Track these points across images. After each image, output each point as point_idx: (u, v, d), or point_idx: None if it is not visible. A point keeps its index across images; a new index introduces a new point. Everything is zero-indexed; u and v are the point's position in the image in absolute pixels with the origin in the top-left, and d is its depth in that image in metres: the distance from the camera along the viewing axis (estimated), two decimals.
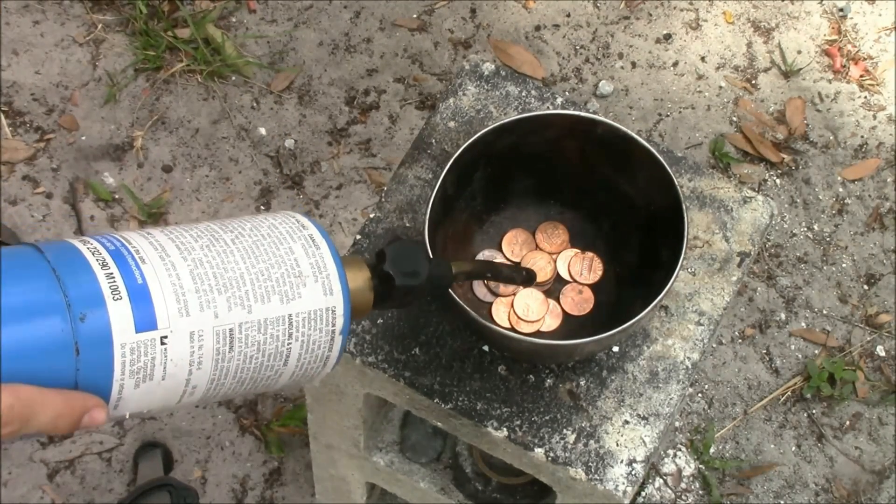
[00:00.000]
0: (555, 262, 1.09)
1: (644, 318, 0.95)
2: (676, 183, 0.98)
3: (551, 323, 1.07)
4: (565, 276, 1.09)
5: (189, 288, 0.67)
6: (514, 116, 1.01)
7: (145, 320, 0.64)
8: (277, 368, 0.72)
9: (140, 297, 0.65)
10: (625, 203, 1.06)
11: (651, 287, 0.96)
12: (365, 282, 0.78)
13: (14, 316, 0.60)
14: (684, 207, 0.97)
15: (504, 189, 1.09)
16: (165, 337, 0.65)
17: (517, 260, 1.09)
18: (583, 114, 1.02)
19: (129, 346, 0.64)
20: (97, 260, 0.65)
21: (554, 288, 1.09)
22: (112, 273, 0.65)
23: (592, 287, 1.08)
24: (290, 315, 0.71)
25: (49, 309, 0.62)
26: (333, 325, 0.73)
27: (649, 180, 1.01)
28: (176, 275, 0.67)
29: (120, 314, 0.64)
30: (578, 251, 1.09)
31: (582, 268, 1.08)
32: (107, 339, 0.63)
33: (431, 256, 0.83)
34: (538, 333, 1.06)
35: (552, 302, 1.07)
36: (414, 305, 0.88)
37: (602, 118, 1.01)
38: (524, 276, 0.97)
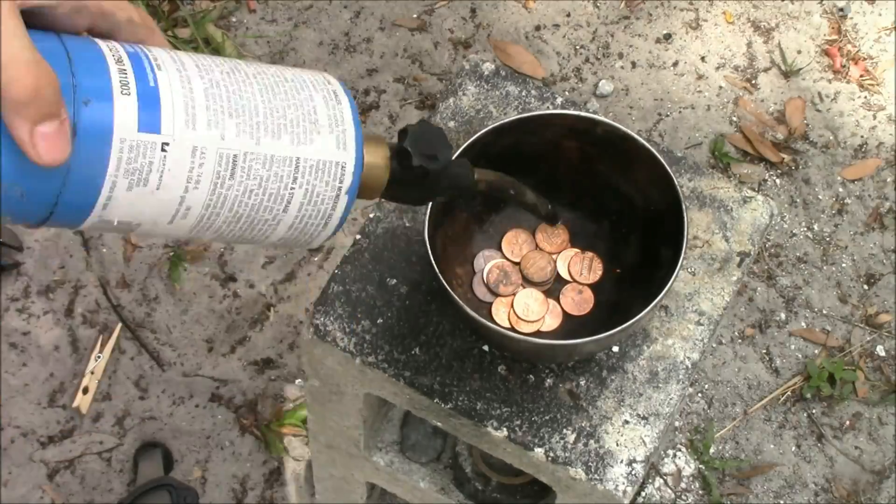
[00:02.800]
0: (555, 262, 1.09)
1: (644, 317, 0.95)
2: (676, 182, 0.98)
3: (551, 323, 1.07)
4: (565, 276, 1.09)
5: (200, 104, 0.66)
6: (513, 116, 1.01)
7: (149, 122, 0.63)
8: (277, 213, 0.71)
9: (149, 99, 0.64)
10: (625, 203, 1.06)
11: (651, 287, 0.96)
12: (383, 158, 0.76)
13: None
14: (684, 207, 0.97)
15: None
16: (167, 144, 0.64)
17: (517, 260, 1.09)
18: (582, 113, 1.02)
19: (128, 143, 0.63)
20: (113, 55, 0.64)
21: (554, 288, 1.09)
22: (125, 70, 0.64)
23: (592, 287, 1.08)
24: (297, 158, 0.70)
25: None
26: (341, 182, 0.71)
27: (649, 180, 1.01)
28: (189, 88, 0.66)
29: (125, 108, 0.63)
30: (578, 251, 1.09)
31: (582, 268, 1.08)
32: (107, 129, 0.62)
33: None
34: (538, 333, 1.06)
35: (552, 302, 1.07)
36: (425, 202, 0.85)
37: (601, 118, 1.01)
38: (549, 211, 0.93)
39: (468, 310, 0.95)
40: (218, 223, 0.69)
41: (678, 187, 0.98)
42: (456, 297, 0.95)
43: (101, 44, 0.64)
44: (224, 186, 0.67)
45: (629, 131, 1.00)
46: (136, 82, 0.64)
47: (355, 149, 0.72)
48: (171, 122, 0.64)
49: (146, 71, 0.64)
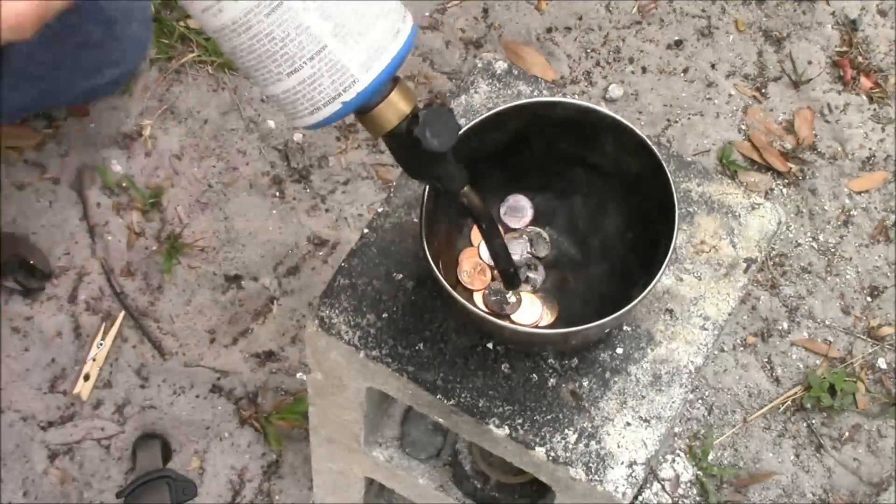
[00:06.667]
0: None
1: (643, 299, 0.95)
2: (649, 141, 0.99)
3: (548, 315, 1.07)
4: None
5: None
6: (478, 118, 1.01)
7: None
8: (281, 72, 0.79)
9: None
10: (595, 174, 1.07)
11: (650, 278, 0.98)
12: (401, 108, 0.84)
13: None
14: (666, 167, 0.98)
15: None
16: None
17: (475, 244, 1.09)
18: (539, 100, 1.04)
19: None
20: None
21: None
22: None
23: (592, 277, 1.09)
24: (326, 46, 0.78)
25: None
26: (343, 92, 0.80)
27: (619, 146, 1.02)
28: None
29: None
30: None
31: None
32: None
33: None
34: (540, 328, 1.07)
35: (535, 297, 1.08)
36: (413, 174, 0.91)
37: (559, 99, 1.02)
38: (510, 273, 0.97)
39: (475, 309, 0.95)
40: (235, 42, 0.78)
41: (652, 146, 0.99)
42: (458, 297, 0.95)
43: None
44: (256, 18, 0.76)
45: (589, 104, 1.01)
46: None
47: (374, 78, 0.80)
48: None
49: None
